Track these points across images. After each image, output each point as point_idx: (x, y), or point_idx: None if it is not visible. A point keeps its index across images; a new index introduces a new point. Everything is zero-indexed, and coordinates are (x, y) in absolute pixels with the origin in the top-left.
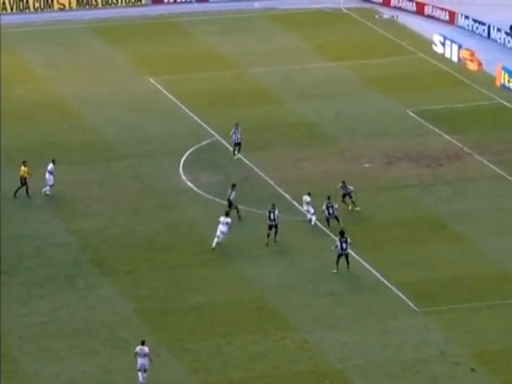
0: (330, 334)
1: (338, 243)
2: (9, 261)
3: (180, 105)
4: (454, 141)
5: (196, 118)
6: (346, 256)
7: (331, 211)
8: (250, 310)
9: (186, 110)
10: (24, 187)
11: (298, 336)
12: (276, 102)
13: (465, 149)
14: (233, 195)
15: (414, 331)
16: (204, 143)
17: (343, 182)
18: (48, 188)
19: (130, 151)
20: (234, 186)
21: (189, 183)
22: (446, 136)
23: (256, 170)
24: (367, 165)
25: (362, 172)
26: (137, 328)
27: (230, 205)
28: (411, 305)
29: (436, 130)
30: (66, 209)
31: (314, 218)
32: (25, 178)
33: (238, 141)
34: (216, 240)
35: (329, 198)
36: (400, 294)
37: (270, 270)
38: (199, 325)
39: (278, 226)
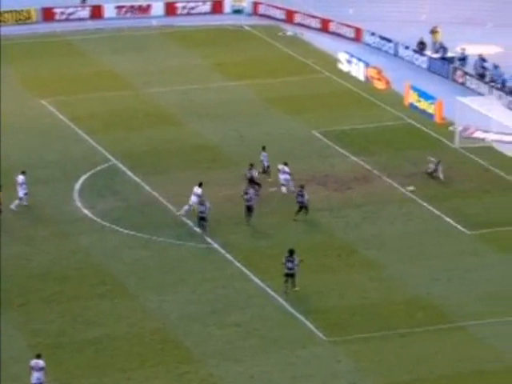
0: (236, 367)
1: (284, 260)
2: None
3: (74, 127)
4: (362, 163)
5: (91, 141)
6: (292, 276)
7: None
8: (150, 343)
9: (81, 132)
10: None
11: (202, 369)
12: (176, 124)
13: (374, 171)
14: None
15: (322, 362)
16: (100, 168)
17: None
18: (18, 202)
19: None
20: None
21: (84, 210)
22: (353, 158)
23: (156, 195)
24: (272, 189)
25: (268, 196)
26: (26, 364)
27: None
28: (320, 334)
29: (343, 151)
30: None
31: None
32: None
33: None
34: (186, 208)
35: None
36: (308, 323)
37: (172, 299)
38: (97, 359)
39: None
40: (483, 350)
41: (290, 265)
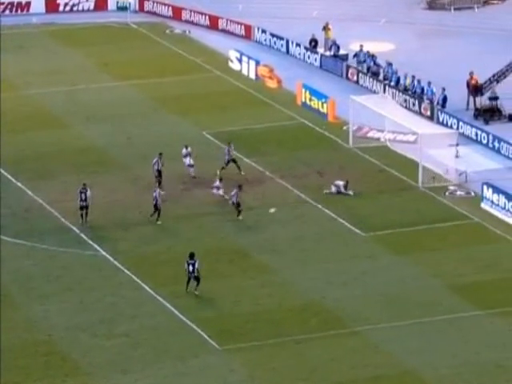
0: (126, 379)
1: (186, 265)
2: None
3: None
4: (254, 164)
5: None
6: (196, 278)
7: None
8: (35, 355)
9: None
10: None
11: (91, 382)
12: (59, 126)
13: (266, 172)
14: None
15: (215, 371)
16: None
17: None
18: None
19: None
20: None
21: None
22: (245, 159)
23: (39, 200)
24: (162, 192)
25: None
26: None
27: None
28: (212, 342)
29: (235, 152)
30: None
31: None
32: None
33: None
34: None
35: None
36: (199, 330)
37: (58, 309)
38: None
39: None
40: (379, 356)
41: (190, 268)
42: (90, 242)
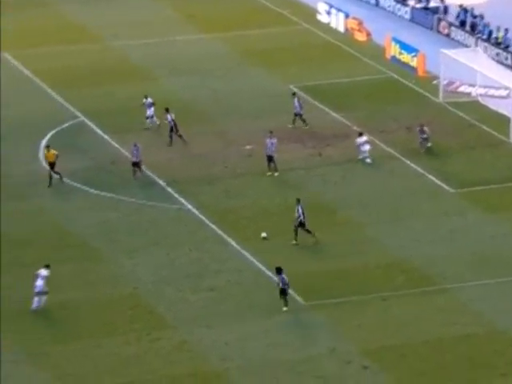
0: (211, 333)
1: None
2: None
3: (39, 82)
4: (341, 119)
5: (57, 97)
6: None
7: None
8: (121, 309)
9: (46, 87)
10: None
11: (176, 336)
12: (145, 79)
13: (353, 127)
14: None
15: (300, 327)
16: (67, 125)
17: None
18: None
19: None
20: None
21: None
22: (332, 114)
23: (125, 153)
24: (248, 146)
25: (243, 154)
26: None
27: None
28: (298, 299)
29: (322, 107)
30: None
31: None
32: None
33: (298, 112)
34: None
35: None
36: None
37: (143, 263)
38: (63, 326)
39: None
40: (467, 314)
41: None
42: (176, 196)
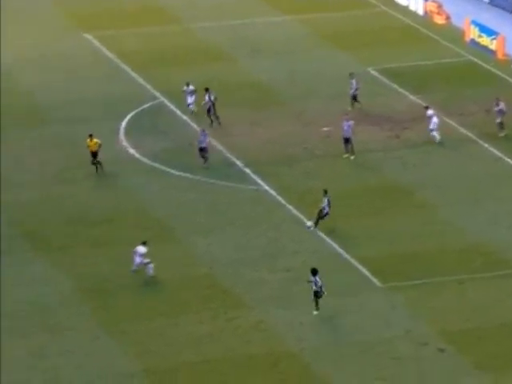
0: (286, 313)
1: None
2: None
3: (119, 63)
4: (419, 101)
5: (137, 78)
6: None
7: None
8: (197, 288)
9: (127, 68)
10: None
11: (251, 315)
12: (225, 61)
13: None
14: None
15: (376, 309)
16: (147, 106)
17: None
18: None
19: (64, 116)
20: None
21: (130, 150)
22: (410, 96)
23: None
24: (325, 128)
25: (320, 137)
26: (73, 308)
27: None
28: (374, 280)
29: (400, 89)
30: None
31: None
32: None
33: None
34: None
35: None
36: (362, 268)
37: (220, 243)
38: (142, 304)
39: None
40: None
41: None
42: (254, 177)
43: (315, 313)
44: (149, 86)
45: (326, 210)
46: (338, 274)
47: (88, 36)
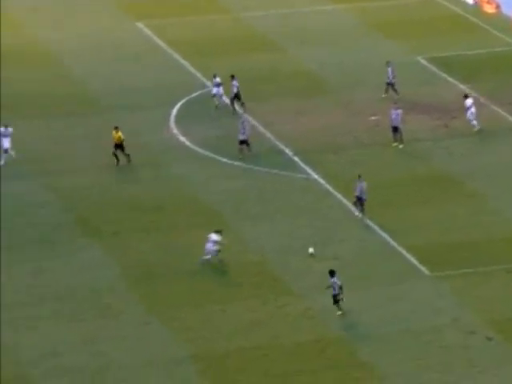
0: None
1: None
2: None
3: (171, 52)
4: (468, 90)
5: (188, 67)
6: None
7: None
8: (247, 275)
9: (178, 57)
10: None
11: (300, 303)
12: (273, 50)
13: (480, 99)
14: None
15: (424, 297)
16: (198, 94)
17: None
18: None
19: (116, 103)
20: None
21: (181, 138)
22: (460, 85)
23: (254, 122)
24: (373, 117)
25: (368, 125)
26: (124, 294)
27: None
28: (422, 269)
29: (449, 78)
30: (46, 165)
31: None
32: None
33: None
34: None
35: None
36: (409, 256)
37: (269, 231)
38: (191, 291)
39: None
40: None
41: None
42: (302, 166)
43: (339, 313)
44: (199, 75)
45: (363, 196)
46: (386, 263)
47: (140, 25)
